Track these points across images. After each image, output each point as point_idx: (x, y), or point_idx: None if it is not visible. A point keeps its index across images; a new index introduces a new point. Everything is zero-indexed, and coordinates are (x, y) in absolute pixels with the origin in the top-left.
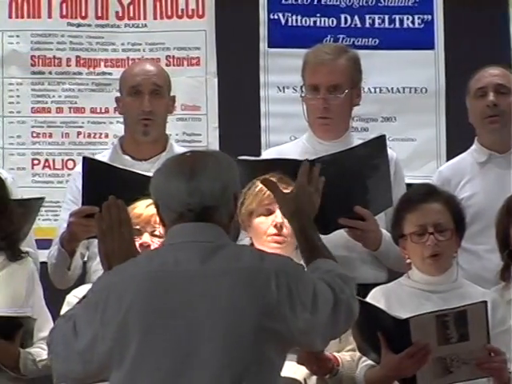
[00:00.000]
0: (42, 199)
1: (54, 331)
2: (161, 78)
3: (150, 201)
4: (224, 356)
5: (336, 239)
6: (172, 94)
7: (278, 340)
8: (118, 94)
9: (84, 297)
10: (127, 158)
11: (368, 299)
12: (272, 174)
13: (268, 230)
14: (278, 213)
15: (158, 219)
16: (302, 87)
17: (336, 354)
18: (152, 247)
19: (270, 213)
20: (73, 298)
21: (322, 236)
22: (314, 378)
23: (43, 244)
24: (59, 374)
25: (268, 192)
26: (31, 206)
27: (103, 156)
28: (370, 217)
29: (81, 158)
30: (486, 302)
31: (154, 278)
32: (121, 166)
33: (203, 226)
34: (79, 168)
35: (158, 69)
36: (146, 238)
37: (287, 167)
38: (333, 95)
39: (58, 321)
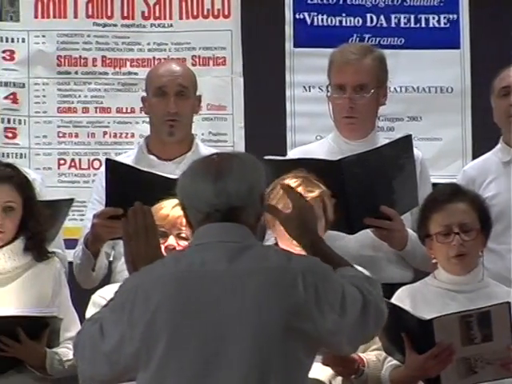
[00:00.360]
0: (71, 200)
1: (80, 334)
2: (187, 78)
3: (176, 201)
4: (251, 356)
5: (362, 239)
6: (198, 93)
7: (305, 340)
8: (144, 94)
9: (111, 299)
10: (152, 157)
11: (393, 299)
12: (298, 171)
13: None
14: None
15: (184, 221)
16: (327, 87)
17: (361, 354)
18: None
19: None
20: (98, 299)
21: (348, 236)
22: (339, 378)
23: (70, 244)
24: (86, 376)
25: None
26: (60, 207)
27: (128, 156)
28: (396, 216)
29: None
30: (509, 303)
31: (180, 278)
32: (143, 168)
33: (230, 226)
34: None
35: (183, 69)
36: (171, 240)
37: (313, 167)
38: (359, 95)
39: (84, 324)
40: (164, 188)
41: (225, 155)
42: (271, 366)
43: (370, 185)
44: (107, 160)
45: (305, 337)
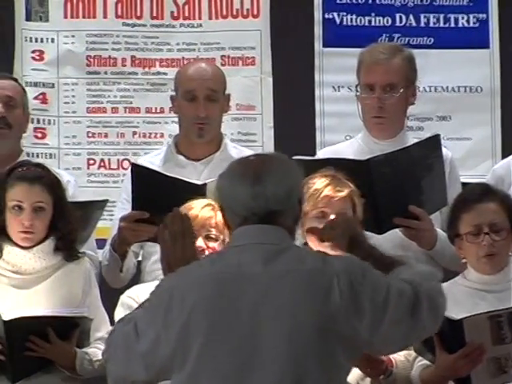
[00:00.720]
0: (104, 202)
1: (112, 334)
2: (216, 81)
3: (205, 201)
4: (286, 358)
5: (391, 238)
6: (227, 92)
7: (343, 342)
8: (173, 93)
9: (146, 300)
10: (181, 157)
11: None
12: (326, 170)
13: None
14: (332, 216)
15: (213, 222)
16: (356, 87)
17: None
18: (207, 251)
19: (323, 215)
20: (126, 299)
21: (376, 235)
22: (368, 380)
23: (101, 244)
24: (117, 377)
25: (323, 194)
26: (93, 209)
27: (157, 154)
28: (425, 216)
29: (136, 158)
30: None
31: (217, 279)
32: (168, 173)
33: (268, 229)
34: None
35: (213, 71)
36: (199, 242)
37: (342, 166)
38: (388, 94)
39: (116, 325)
40: (188, 193)
41: (263, 157)
42: (307, 369)
43: (398, 184)
44: (133, 164)
45: (342, 339)
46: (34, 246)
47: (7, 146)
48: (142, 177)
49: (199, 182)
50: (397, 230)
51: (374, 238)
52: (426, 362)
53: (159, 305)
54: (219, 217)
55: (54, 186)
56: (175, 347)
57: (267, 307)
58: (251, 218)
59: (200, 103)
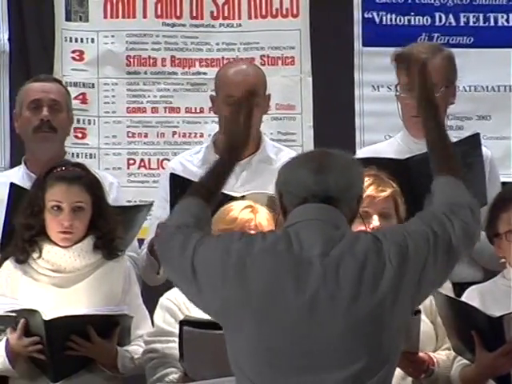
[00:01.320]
0: (149, 206)
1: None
2: (257, 84)
3: (245, 203)
4: (346, 338)
5: None
6: (267, 92)
7: (395, 314)
8: (213, 93)
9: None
10: None
11: (463, 298)
12: (369, 169)
13: None
14: (375, 217)
15: (252, 224)
16: (396, 86)
17: (431, 353)
18: None
19: (366, 215)
20: (166, 301)
21: None
22: (409, 379)
23: (140, 244)
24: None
25: (365, 194)
26: (137, 212)
27: (196, 153)
28: None
29: (178, 155)
30: None
31: (281, 257)
32: None
33: (327, 208)
34: (171, 164)
35: (254, 73)
36: None
37: (381, 166)
38: None
39: (165, 230)
40: (223, 203)
41: (329, 151)
42: (368, 347)
43: None
44: (171, 174)
45: (394, 309)
46: (73, 245)
47: (52, 150)
48: (179, 187)
49: (238, 195)
50: None
51: None
52: (465, 361)
53: (216, 261)
54: (259, 218)
55: (92, 185)
56: (230, 308)
57: (327, 291)
58: (311, 199)
59: None
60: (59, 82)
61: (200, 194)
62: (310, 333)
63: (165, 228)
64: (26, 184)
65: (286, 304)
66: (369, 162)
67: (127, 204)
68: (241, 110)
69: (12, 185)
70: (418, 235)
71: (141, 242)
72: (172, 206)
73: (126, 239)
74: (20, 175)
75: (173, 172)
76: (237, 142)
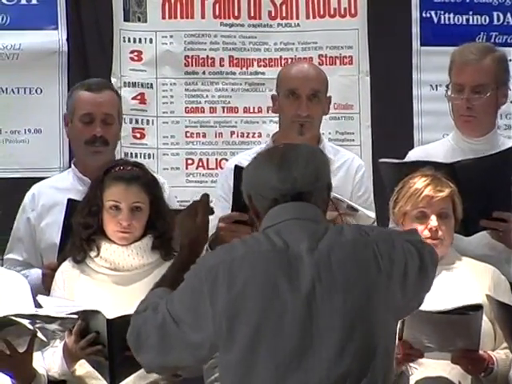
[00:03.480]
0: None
1: (137, 323)
2: (319, 82)
3: None
4: (342, 331)
5: (479, 238)
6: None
7: (388, 306)
8: (271, 94)
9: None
10: None
11: None
12: (426, 169)
13: (423, 233)
14: (433, 217)
15: None
16: (447, 86)
17: (491, 352)
18: None
19: (424, 215)
20: None
21: (464, 237)
22: (469, 377)
23: None
24: (154, 365)
25: (423, 194)
26: None
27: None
28: (511, 218)
29: (237, 155)
30: None
31: (269, 257)
32: None
33: (301, 205)
34: (231, 164)
35: (316, 71)
36: None
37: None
38: (477, 96)
39: (138, 315)
40: None
41: (289, 145)
42: (360, 337)
43: (485, 188)
44: (236, 166)
45: (387, 302)
46: (131, 243)
47: (103, 160)
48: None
49: None
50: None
51: (464, 239)
52: None
53: (201, 284)
54: None
55: (150, 185)
56: (224, 323)
57: (322, 284)
58: (281, 199)
59: (302, 102)
60: (111, 88)
61: (164, 286)
62: (311, 329)
63: (135, 319)
64: (78, 187)
65: (283, 304)
66: (415, 165)
67: (179, 208)
68: (198, 207)
69: (69, 200)
70: (398, 239)
71: None
72: (236, 198)
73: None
74: (71, 179)
75: (238, 164)
76: (195, 239)
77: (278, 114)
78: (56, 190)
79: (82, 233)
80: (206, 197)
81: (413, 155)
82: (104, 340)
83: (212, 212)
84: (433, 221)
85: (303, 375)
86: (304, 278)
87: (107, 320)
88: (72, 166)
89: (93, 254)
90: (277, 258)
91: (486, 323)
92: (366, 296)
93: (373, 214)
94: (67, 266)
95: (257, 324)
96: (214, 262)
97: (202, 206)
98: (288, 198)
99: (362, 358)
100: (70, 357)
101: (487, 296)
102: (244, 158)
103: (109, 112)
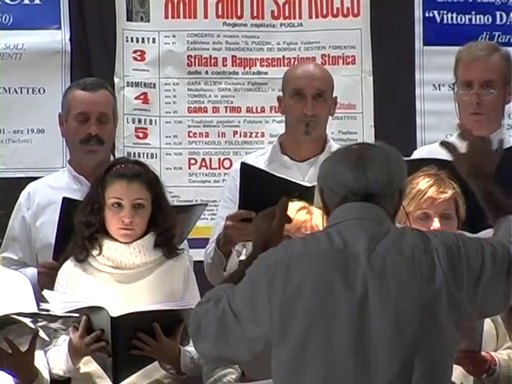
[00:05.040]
0: (203, 206)
1: (199, 313)
2: (325, 82)
3: (300, 204)
4: (395, 339)
5: (486, 236)
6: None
7: (448, 315)
8: (274, 93)
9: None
10: (286, 158)
11: None
12: (429, 168)
13: None
14: (435, 219)
15: (308, 225)
16: (453, 85)
17: (493, 353)
18: None
19: (427, 217)
20: None
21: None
22: (471, 378)
23: (200, 243)
24: (211, 356)
25: (426, 195)
26: (191, 212)
27: (263, 154)
28: None
29: (237, 157)
30: None
31: (326, 256)
32: (276, 174)
33: (368, 206)
34: (238, 165)
35: (322, 72)
36: None
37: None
38: (486, 91)
39: (201, 305)
40: (296, 194)
41: (367, 144)
42: (415, 347)
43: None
44: (242, 164)
45: (446, 311)
46: (134, 241)
47: (98, 159)
48: (251, 176)
49: (308, 184)
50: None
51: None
52: None
53: (260, 280)
54: (314, 220)
55: (152, 182)
56: (278, 320)
57: (376, 286)
58: (351, 197)
59: (308, 101)
60: (105, 87)
61: (231, 282)
62: (362, 330)
63: (197, 310)
64: (73, 186)
65: (336, 304)
66: (420, 163)
67: (182, 204)
68: (277, 211)
69: (64, 199)
70: (471, 243)
71: (201, 241)
72: (243, 197)
73: (179, 239)
74: (66, 178)
75: (244, 162)
76: (268, 242)
77: (281, 114)
78: (51, 188)
79: (84, 231)
80: (285, 201)
81: (418, 155)
82: (108, 337)
83: (290, 220)
84: (435, 222)
85: (353, 375)
86: (359, 279)
87: (111, 318)
88: (67, 165)
89: (95, 252)
90: (334, 258)
91: (487, 324)
92: (419, 302)
93: None
94: (69, 265)
95: (309, 322)
96: (273, 258)
97: (281, 210)
98: (358, 198)
99: (411, 363)
100: (75, 353)
101: None
102: (251, 160)
103: (104, 111)
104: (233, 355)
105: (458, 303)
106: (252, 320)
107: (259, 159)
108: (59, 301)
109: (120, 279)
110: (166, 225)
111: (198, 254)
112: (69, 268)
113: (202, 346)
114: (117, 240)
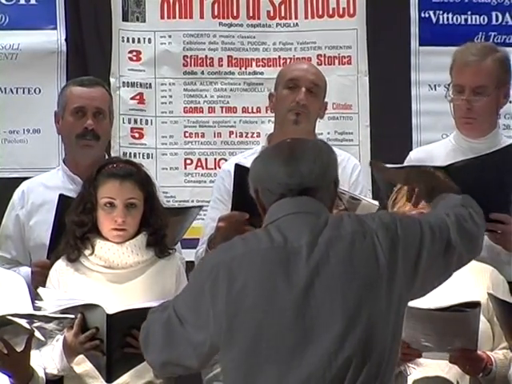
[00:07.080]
0: (198, 208)
1: (147, 324)
2: (319, 78)
3: None
4: (342, 325)
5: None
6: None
7: (392, 291)
8: (272, 91)
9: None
10: None
11: None
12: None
13: None
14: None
15: None
16: (448, 86)
17: (489, 352)
18: None
19: None
20: None
21: None
22: (467, 377)
23: (194, 243)
24: (159, 362)
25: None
26: (186, 215)
27: (252, 154)
28: (510, 220)
29: (233, 157)
30: None
31: (267, 255)
32: None
33: (304, 200)
34: (227, 166)
35: (317, 70)
36: None
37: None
38: (477, 97)
39: (149, 315)
40: None
41: (298, 139)
42: (361, 328)
43: (481, 189)
44: (236, 165)
45: (389, 289)
46: (126, 241)
47: (94, 155)
48: (244, 178)
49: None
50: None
51: None
52: None
53: (203, 284)
54: None
55: (144, 182)
56: (224, 322)
57: (320, 278)
58: (288, 194)
59: (302, 91)
60: (102, 85)
61: None
62: (309, 324)
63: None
64: (68, 186)
65: (281, 300)
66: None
67: (178, 206)
68: None
69: (61, 196)
70: (409, 221)
71: (192, 241)
72: (236, 198)
73: (172, 240)
74: (61, 177)
75: (237, 163)
76: None
77: (272, 112)
78: (46, 187)
79: (76, 231)
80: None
81: (414, 156)
82: (103, 335)
83: None
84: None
85: (305, 369)
86: (302, 274)
87: (107, 315)
88: (62, 163)
89: (87, 252)
90: (275, 255)
91: (483, 323)
92: (366, 287)
93: (376, 202)
94: (61, 264)
95: (257, 323)
96: (215, 261)
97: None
98: (295, 193)
99: (363, 348)
100: (70, 351)
101: (488, 294)
102: (240, 160)
103: (101, 106)
104: (180, 360)
105: (401, 280)
106: (196, 325)
107: (248, 160)
108: (54, 298)
109: (112, 279)
110: (157, 224)
111: (191, 254)
112: (61, 267)
113: (150, 355)
114: (109, 240)
